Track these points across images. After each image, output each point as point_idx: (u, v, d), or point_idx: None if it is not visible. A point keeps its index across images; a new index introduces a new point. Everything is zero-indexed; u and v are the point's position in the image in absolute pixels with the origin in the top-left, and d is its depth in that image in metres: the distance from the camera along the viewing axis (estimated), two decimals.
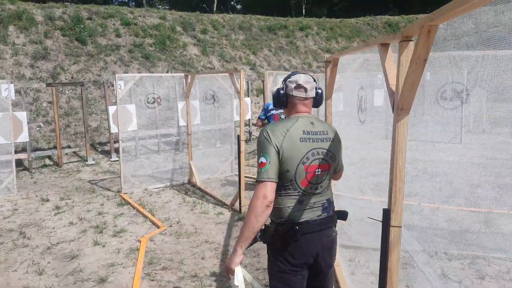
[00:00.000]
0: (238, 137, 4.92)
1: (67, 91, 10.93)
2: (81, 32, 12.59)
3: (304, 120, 1.96)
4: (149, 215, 4.97)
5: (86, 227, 4.73)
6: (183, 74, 6.60)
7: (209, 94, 8.70)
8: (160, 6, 36.68)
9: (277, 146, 1.83)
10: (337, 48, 18.93)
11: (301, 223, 1.89)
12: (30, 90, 10.33)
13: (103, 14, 13.85)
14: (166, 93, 9.80)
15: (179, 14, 16.20)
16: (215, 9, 37.24)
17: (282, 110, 6.50)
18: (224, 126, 9.42)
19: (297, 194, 1.91)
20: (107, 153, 9.44)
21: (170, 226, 4.66)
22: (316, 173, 1.93)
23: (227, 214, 5.04)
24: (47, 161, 8.76)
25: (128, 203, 5.70)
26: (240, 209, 4.98)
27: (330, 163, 1.99)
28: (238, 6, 47.12)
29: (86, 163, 8.71)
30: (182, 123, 9.42)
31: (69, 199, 6.07)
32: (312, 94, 2.02)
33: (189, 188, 6.54)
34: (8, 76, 10.34)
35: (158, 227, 4.56)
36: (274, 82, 8.38)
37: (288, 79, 2.04)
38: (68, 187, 6.92)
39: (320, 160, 1.93)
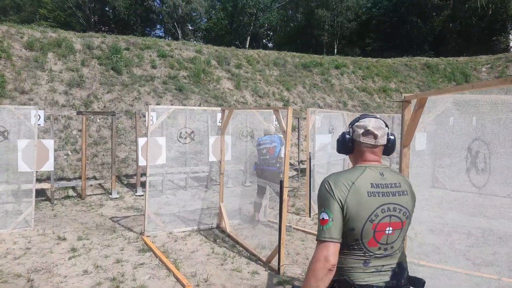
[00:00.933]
0: (281, 183, 4.30)
1: (98, 120, 10.71)
2: (118, 61, 12.57)
3: (372, 170, 1.76)
4: (173, 268, 4.33)
5: (101, 278, 4.13)
6: (219, 108, 6.13)
7: (245, 131, 8.20)
8: (194, 41, 37.49)
9: (341, 201, 1.65)
10: (374, 88, 18.36)
11: (362, 286, 1.67)
12: (62, 117, 10.16)
13: (141, 45, 13.89)
14: (198, 127, 9.39)
15: (214, 48, 16.15)
16: (247, 46, 37.85)
17: (264, 146, 5.96)
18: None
19: (362, 254, 1.70)
20: (132, 187, 8.99)
21: (197, 285, 4.00)
22: (387, 232, 1.71)
23: (263, 274, 4.34)
24: (71, 192, 8.36)
25: (150, 249, 5.10)
26: (278, 269, 4.29)
27: (404, 221, 1.75)
28: (270, 44, 47.85)
29: (110, 196, 8.25)
30: (212, 158, 8.93)
31: (87, 239, 5.54)
32: (383, 141, 1.81)
33: (218, 234, 5.90)
34: (41, 102, 10.24)
35: (183, 286, 3.90)
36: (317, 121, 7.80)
37: (356, 123, 1.84)
38: (88, 224, 6.41)
39: (392, 217, 1.71)
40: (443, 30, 35.82)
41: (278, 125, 6.05)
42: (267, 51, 18.18)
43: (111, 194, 8.30)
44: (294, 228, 6.12)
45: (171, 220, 6.42)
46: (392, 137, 1.86)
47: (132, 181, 9.27)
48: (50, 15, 41.45)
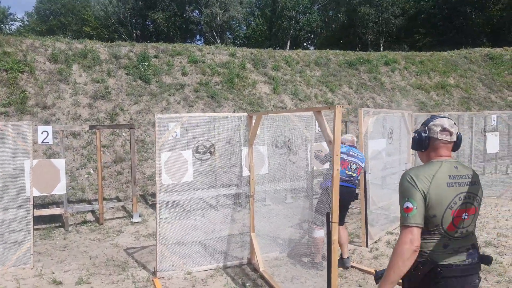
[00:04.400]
0: (328, 216, 2.95)
1: (124, 134, 9.84)
2: (146, 70, 11.74)
3: (448, 164, 2.00)
4: None
5: None
6: (244, 114, 4.89)
7: (280, 141, 6.88)
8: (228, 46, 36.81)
9: (423, 192, 1.89)
10: (430, 84, 16.40)
11: (443, 266, 1.90)
12: (85, 133, 9.38)
13: (171, 52, 13.02)
14: (230, 136, 8.19)
15: (250, 51, 15.02)
16: (288, 49, 36.54)
17: (354, 159, 4.65)
18: (297, 178, 7.48)
19: (442, 238, 1.93)
20: None
21: None
22: (463, 217, 1.94)
23: None
24: (89, 216, 7.44)
25: None
26: None
27: (476, 207, 2.00)
28: (311, 48, 46.27)
29: (131, 220, 7.23)
30: (246, 173, 7.71)
31: (88, 282, 4.46)
32: (454, 138, 2.06)
33: (249, 274, 4.61)
34: (63, 117, 9.53)
35: None
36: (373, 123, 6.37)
37: (431, 122, 2.07)
38: (98, 258, 5.37)
39: (467, 204, 1.95)
40: (501, 19, 32.56)
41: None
42: (307, 51, 16.80)
43: (132, 217, 7.28)
44: (352, 266, 4.71)
45: (192, 253, 5.23)
46: (459, 134, 2.08)
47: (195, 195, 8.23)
48: (94, 32, 42.65)
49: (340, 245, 4.65)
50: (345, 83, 14.59)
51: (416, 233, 1.84)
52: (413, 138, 2.14)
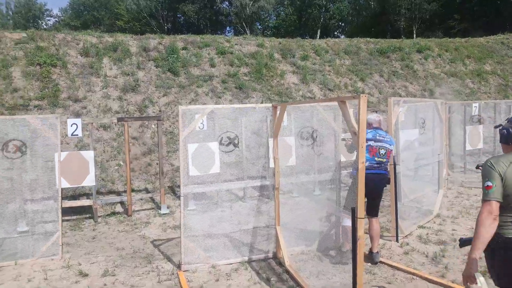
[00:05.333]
0: (353, 211, 2.81)
1: (153, 126, 9.94)
2: (174, 62, 11.79)
3: None
4: None
5: None
6: (269, 105, 4.77)
7: (305, 132, 6.71)
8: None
9: (500, 174, 2.26)
10: (465, 72, 15.65)
11: (509, 239, 2.26)
12: (115, 125, 9.54)
13: (199, 44, 13.01)
14: (258, 127, 8.09)
15: (278, 40, 14.80)
16: (318, 38, 35.89)
17: (382, 144, 4.43)
18: (325, 170, 7.29)
19: None
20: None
21: None
22: None
23: None
24: (118, 208, 7.57)
25: None
26: None
27: None
28: (342, 37, 45.24)
29: (159, 212, 7.30)
30: (273, 164, 7.62)
31: (113, 275, 4.52)
32: None
33: (275, 269, 4.54)
34: (94, 110, 9.72)
35: None
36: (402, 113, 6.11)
37: None
38: (125, 250, 5.44)
39: None
40: None
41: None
42: (337, 39, 16.41)
43: (160, 209, 7.35)
44: (381, 262, 4.53)
45: (218, 246, 5.19)
46: None
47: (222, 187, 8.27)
48: (126, 26, 43.41)
49: (371, 238, 4.50)
50: (376, 72, 14.15)
51: (494, 206, 2.19)
52: (501, 133, 2.42)
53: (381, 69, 14.38)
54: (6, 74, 9.84)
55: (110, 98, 10.17)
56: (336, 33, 46.31)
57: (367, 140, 4.45)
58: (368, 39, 16.49)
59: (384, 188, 4.57)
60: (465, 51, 16.82)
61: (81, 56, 11.17)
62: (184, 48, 12.63)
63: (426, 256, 4.64)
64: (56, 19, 51.27)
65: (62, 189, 6.99)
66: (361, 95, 2.73)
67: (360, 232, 2.79)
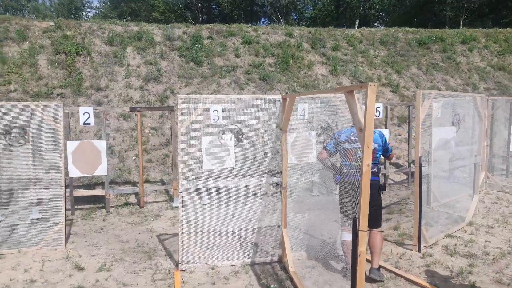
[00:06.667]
0: (355, 223, 2.36)
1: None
2: (198, 52, 11.52)
3: None
4: None
5: None
6: (278, 96, 4.34)
7: (319, 127, 6.22)
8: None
9: None
10: None
11: None
12: (135, 115, 9.41)
13: (224, 33, 12.68)
14: (274, 120, 7.65)
15: (308, 30, 14.20)
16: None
17: (358, 145, 3.70)
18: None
19: None
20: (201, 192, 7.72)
21: None
22: None
23: None
24: (132, 198, 7.41)
25: None
26: None
27: None
28: (382, 27, 43.46)
29: (171, 204, 7.07)
30: (290, 160, 7.21)
31: (110, 270, 4.29)
32: None
33: (277, 273, 4.15)
34: (115, 99, 9.63)
35: None
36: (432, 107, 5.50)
37: None
38: (129, 243, 5.23)
39: None
40: None
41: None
42: (372, 29, 15.55)
43: (172, 202, 7.12)
44: (394, 275, 4.03)
45: (223, 244, 4.88)
46: None
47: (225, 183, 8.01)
48: (162, 17, 43.81)
49: (371, 252, 3.89)
50: (414, 64, 13.27)
51: None
52: None
53: (419, 61, 13.49)
54: (32, 62, 9.93)
55: (131, 88, 10.05)
56: (375, 24, 44.63)
57: (341, 142, 3.96)
58: (406, 28, 15.53)
59: (379, 194, 3.87)
60: None
61: (106, 45, 11.12)
62: (209, 38, 12.34)
63: (451, 271, 4.08)
64: (96, 11, 52.64)
65: (75, 177, 6.92)
66: (370, 83, 2.27)
67: (362, 248, 2.34)
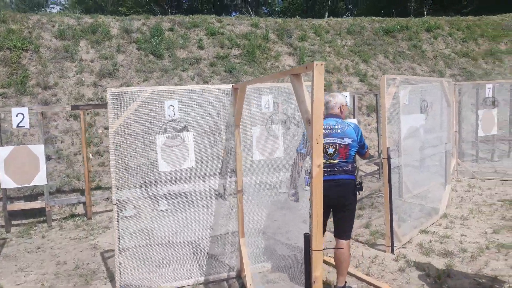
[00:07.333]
0: (306, 240, 1.87)
1: (130, 114, 9.02)
2: (158, 44, 10.82)
3: None
4: None
5: None
6: (228, 86, 3.81)
7: (276, 119, 5.73)
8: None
9: None
10: (478, 52, 14.39)
11: None
12: (88, 113, 8.67)
13: (187, 24, 12.00)
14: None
15: (274, 20, 13.71)
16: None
17: (330, 139, 3.26)
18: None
19: None
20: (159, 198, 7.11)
21: None
22: None
23: None
24: (80, 209, 6.73)
25: None
26: None
27: None
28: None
29: (123, 213, 6.44)
30: (258, 157, 6.73)
31: None
32: None
33: None
34: (64, 98, 8.85)
35: None
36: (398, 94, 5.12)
37: None
38: (66, 264, 4.58)
39: None
40: None
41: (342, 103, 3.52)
42: (339, 19, 15.21)
43: (125, 210, 6.48)
44: (366, 285, 3.59)
45: (173, 260, 4.32)
46: None
47: (161, 191, 7.39)
48: (130, 12, 42.33)
49: (336, 267, 3.37)
50: (381, 53, 13.00)
51: None
52: None
53: (386, 50, 13.23)
54: None
55: (83, 85, 9.28)
56: (344, 16, 44.67)
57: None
58: (372, 18, 15.26)
59: (356, 195, 3.34)
60: (478, 30, 15.51)
61: (56, 39, 10.25)
62: (170, 29, 11.64)
63: (428, 275, 3.68)
64: (61, 7, 50.40)
65: (12, 189, 6.18)
66: (316, 62, 1.77)
67: (317, 272, 1.85)
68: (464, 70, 13.23)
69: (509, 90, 9.26)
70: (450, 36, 14.82)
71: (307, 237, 1.89)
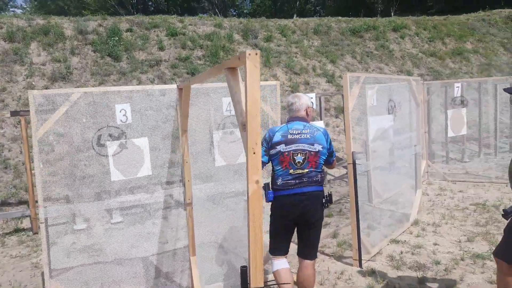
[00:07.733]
0: (243, 274, 1.47)
1: (84, 120, 8.42)
2: (115, 46, 10.24)
3: None
4: None
5: None
6: (173, 86, 3.39)
7: (229, 123, 5.34)
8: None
9: None
10: (445, 51, 14.53)
11: None
12: (38, 120, 8.00)
13: (147, 25, 11.46)
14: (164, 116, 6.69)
15: (239, 20, 13.34)
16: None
17: (298, 145, 2.87)
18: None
19: None
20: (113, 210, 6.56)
21: None
22: None
23: None
24: (27, 222, 6.12)
25: None
26: None
27: None
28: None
29: (74, 227, 5.87)
30: (220, 162, 6.31)
31: None
32: None
33: None
34: (13, 103, 8.16)
35: None
36: (363, 94, 4.83)
37: None
38: (1, 286, 4.03)
39: None
40: None
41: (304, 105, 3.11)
42: (305, 19, 15.02)
43: (75, 223, 5.92)
44: None
45: (121, 279, 3.85)
46: None
47: (113, 203, 6.85)
48: (94, 15, 41.10)
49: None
50: (348, 53, 12.86)
51: None
52: None
53: (353, 50, 13.10)
54: None
55: (34, 89, 8.59)
56: (313, 18, 44.96)
57: (275, 144, 2.91)
58: (339, 18, 15.17)
59: (324, 209, 2.97)
60: (444, 29, 15.70)
61: (5, 41, 9.50)
62: (129, 30, 11.07)
63: None
64: (21, 10, 48.39)
65: None
66: (248, 51, 1.39)
67: None
68: (431, 70, 13.27)
69: (477, 89, 9.23)
70: (417, 36, 14.90)
71: (244, 272, 1.50)
